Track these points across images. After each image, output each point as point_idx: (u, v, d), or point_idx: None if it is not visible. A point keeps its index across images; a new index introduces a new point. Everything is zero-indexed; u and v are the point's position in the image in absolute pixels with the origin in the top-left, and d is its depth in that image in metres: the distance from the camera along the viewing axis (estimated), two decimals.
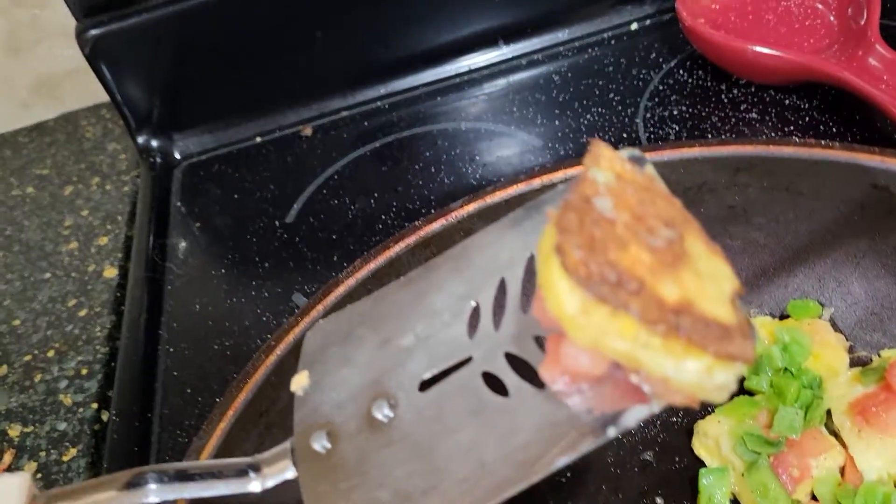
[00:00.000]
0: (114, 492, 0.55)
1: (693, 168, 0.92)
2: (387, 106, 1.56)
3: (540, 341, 0.51)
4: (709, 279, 0.44)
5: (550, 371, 0.46)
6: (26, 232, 1.47)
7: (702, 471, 0.85)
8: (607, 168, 0.48)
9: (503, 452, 0.48)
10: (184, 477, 0.58)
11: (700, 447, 0.89)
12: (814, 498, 0.82)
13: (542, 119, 1.44)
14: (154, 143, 1.55)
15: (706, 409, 0.91)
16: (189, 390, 1.13)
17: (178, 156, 1.55)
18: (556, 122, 1.42)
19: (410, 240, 0.91)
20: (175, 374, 1.17)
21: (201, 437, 0.76)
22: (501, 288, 0.55)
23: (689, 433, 0.91)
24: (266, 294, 1.25)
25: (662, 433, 0.93)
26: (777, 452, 0.82)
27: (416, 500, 0.50)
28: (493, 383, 0.52)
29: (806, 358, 0.88)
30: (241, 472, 0.57)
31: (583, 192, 0.45)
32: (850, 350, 0.92)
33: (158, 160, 1.54)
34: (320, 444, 0.55)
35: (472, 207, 0.92)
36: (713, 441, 0.87)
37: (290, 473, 0.56)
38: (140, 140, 1.54)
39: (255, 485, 0.56)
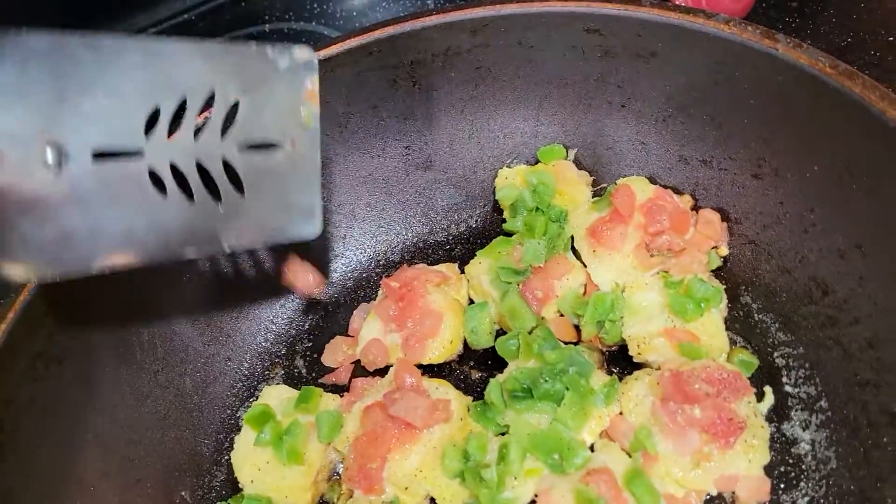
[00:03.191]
0: None
1: (435, 35, 0.98)
2: (193, 17, 1.57)
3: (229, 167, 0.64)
4: None
5: None
6: None
7: (466, 307, 0.96)
8: None
9: (153, 231, 0.62)
10: None
11: (469, 289, 0.99)
12: (561, 316, 0.94)
13: (341, 12, 1.47)
14: None
15: (481, 245, 1.01)
16: None
17: None
18: (354, 13, 1.46)
19: None
20: None
21: None
22: (182, 105, 0.64)
23: None
24: None
25: None
26: (524, 279, 0.93)
27: (78, 238, 0.60)
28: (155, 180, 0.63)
29: (552, 196, 0.98)
30: None
31: None
32: (595, 184, 1.02)
33: None
34: None
35: None
36: (476, 280, 0.97)
37: None
38: None
39: None
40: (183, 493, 0.91)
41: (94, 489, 0.85)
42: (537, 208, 0.98)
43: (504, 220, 1.03)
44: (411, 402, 0.84)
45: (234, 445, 0.90)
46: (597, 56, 0.95)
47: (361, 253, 1.07)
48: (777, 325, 0.87)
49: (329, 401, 0.92)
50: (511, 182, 1.01)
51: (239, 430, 0.95)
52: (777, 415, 0.82)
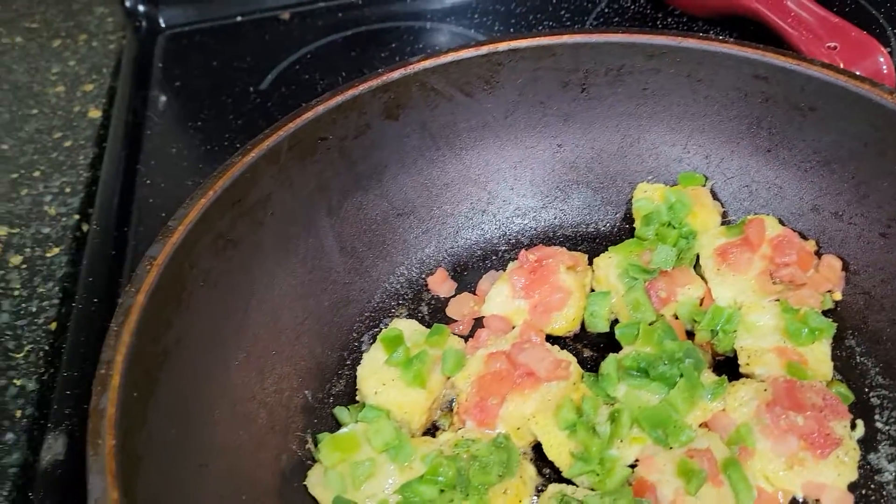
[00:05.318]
0: None
1: (614, 51, 1.09)
2: (360, 2, 1.71)
3: None
4: None
5: None
6: (14, 74, 1.58)
7: (589, 294, 1.05)
8: None
9: None
10: None
11: (593, 280, 1.08)
12: (676, 317, 1.02)
13: (500, 26, 1.60)
14: (141, 8, 1.67)
15: (604, 247, 1.10)
16: (163, 214, 1.28)
17: (162, 23, 1.68)
18: (511, 30, 1.59)
19: (373, 83, 1.07)
20: (151, 201, 1.31)
21: (185, 207, 0.92)
22: None
23: None
24: (238, 145, 1.38)
25: None
26: (651, 279, 1.02)
27: None
28: None
29: (687, 214, 1.07)
30: None
31: None
32: (724, 216, 1.11)
33: (144, 24, 1.66)
34: None
35: (427, 63, 1.08)
36: (603, 272, 1.06)
37: None
38: (128, 4, 1.66)
39: None
40: (306, 392, 0.99)
41: (238, 364, 0.94)
42: (670, 223, 1.07)
43: (631, 231, 1.12)
44: (539, 353, 0.93)
45: (362, 361, 0.99)
46: (758, 101, 1.05)
47: (496, 228, 1.17)
48: (877, 370, 0.95)
49: (455, 342, 1.01)
50: (649, 196, 1.11)
51: (359, 351, 1.04)
52: (865, 445, 0.89)
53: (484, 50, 1.09)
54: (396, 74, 1.08)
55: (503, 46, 1.10)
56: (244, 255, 0.97)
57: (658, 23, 1.55)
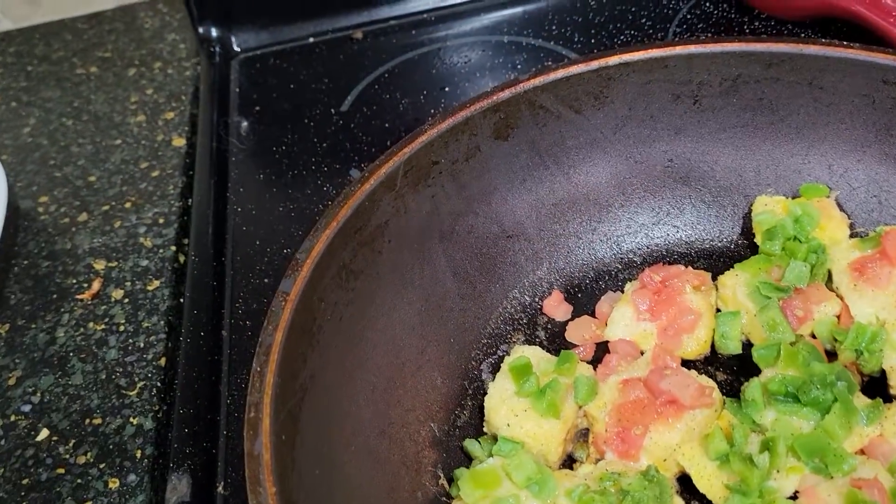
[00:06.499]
0: None
1: (731, 61, 1.05)
2: (433, 18, 1.68)
3: None
4: None
5: None
6: (93, 105, 1.58)
7: (717, 314, 1.01)
8: None
9: None
10: None
11: (717, 298, 1.04)
12: (812, 337, 0.98)
13: (579, 37, 1.57)
14: (214, 34, 1.66)
15: (728, 265, 1.06)
16: (258, 242, 1.26)
17: (236, 48, 1.66)
18: (592, 41, 1.56)
19: (483, 103, 1.04)
20: (244, 228, 1.29)
21: (310, 239, 0.89)
22: None
23: None
24: (325, 168, 1.38)
25: None
26: (786, 297, 0.98)
27: None
28: None
29: (814, 227, 1.03)
30: None
31: None
32: (851, 227, 1.07)
33: (218, 50, 1.65)
34: None
35: (536, 80, 1.05)
36: (730, 290, 1.02)
37: None
38: (201, 30, 1.65)
39: None
40: (432, 425, 0.96)
41: (366, 399, 0.91)
42: (796, 237, 1.03)
43: (749, 247, 1.08)
44: (682, 380, 0.89)
45: (488, 391, 0.96)
46: (887, 107, 1.01)
47: (607, 248, 1.13)
48: None
49: (584, 368, 0.97)
50: (770, 209, 1.07)
51: (479, 380, 1.01)
52: None
53: (594, 65, 1.06)
54: (506, 94, 1.05)
55: (614, 60, 1.06)
56: (365, 286, 0.95)
57: (745, 28, 1.51)
